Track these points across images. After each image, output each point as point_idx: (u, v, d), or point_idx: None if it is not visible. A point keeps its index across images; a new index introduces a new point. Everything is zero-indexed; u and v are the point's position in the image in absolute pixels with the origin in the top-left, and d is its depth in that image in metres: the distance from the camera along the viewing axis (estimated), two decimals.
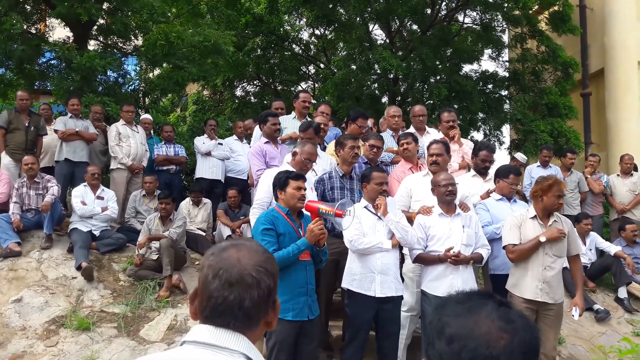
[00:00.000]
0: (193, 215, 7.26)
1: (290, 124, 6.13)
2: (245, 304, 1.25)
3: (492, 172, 5.66)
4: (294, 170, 4.55)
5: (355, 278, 4.29)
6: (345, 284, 4.38)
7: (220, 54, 9.62)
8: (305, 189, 3.98)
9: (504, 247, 4.50)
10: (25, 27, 8.86)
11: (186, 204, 7.32)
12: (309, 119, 6.08)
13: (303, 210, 3.95)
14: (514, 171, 5.28)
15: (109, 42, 10.41)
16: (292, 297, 3.76)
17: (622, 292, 7.05)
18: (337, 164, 5.12)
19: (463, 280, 4.33)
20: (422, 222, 4.50)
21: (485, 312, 1.06)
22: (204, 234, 7.18)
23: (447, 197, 4.43)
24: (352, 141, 4.99)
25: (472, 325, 1.04)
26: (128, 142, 7.48)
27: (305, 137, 5.28)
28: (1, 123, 7.22)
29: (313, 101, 7.64)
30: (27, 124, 7.26)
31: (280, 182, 3.97)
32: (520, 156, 7.92)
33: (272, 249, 3.69)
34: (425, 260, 4.47)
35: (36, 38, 9.28)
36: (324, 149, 5.90)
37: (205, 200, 7.45)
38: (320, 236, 3.76)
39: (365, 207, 4.40)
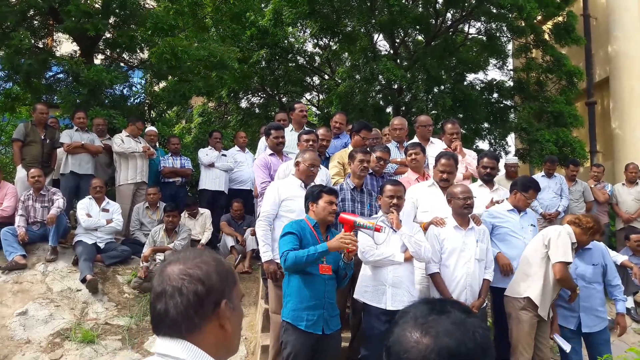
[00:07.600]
0: (191, 226, 7.27)
1: (288, 136, 6.11)
2: (171, 312, 1.27)
3: (497, 180, 5.61)
4: (301, 180, 4.57)
5: (368, 290, 4.30)
6: (358, 295, 4.38)
7: (225, 68, 9.68)
8: (337, 204, 4.00)
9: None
10: (32, 41, 8.92)
11: (183, 216, 7.33)
12: (307, 128, 6.09)
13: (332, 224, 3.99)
14: (534, 186, 5.04)
15: (115, 56, 10.48)
16: (307, 308, 3.78)
17: (629, 302, 6.98)
18: (349, 176, 5.13)
19: (474, 298, 4.41)
20: (436, 234, 4.50)
21: (412, 320, 1.11)
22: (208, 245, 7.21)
23: (464, 210, 4.45)
24: (362, 155, 4.98)
25: (400, 333, 1.10)
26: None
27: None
28: (18, 136, 7.17)
29: (317, 111, 7.65)
30: (43, 137, 7.25)
31: (313, 195, 3.99)
32: (510, 159, 7.89)
33: (290, 247, 3.72)
34: (437, 285, 4.44)
35: (43, 52, 9.36)
36: (326, 160, 5.90)
37: (202, 210, 7.47)
38: (351, 248, 3.71)
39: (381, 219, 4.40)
